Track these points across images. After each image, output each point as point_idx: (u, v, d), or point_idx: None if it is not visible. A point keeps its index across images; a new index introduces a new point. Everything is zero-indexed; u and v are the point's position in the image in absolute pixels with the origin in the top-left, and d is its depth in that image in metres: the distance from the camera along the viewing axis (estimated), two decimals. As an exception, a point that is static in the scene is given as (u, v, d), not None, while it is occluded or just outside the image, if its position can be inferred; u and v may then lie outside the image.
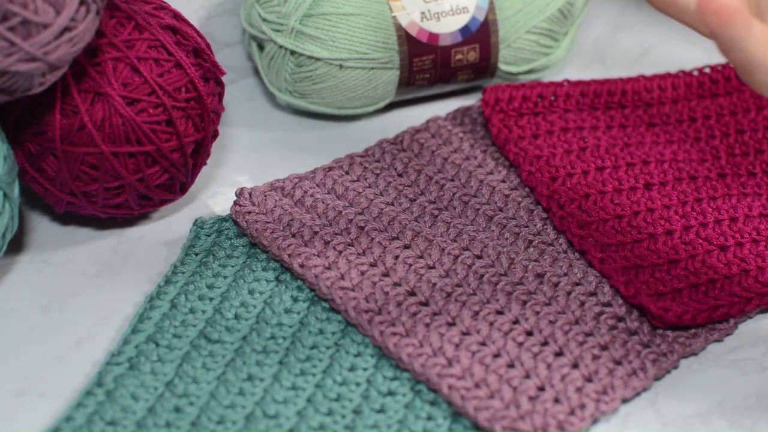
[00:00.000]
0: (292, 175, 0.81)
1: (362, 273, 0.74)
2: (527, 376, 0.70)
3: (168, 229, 0.80)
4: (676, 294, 0.74)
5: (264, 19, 0.85)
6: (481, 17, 0.87)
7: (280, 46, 0.85)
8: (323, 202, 0.79)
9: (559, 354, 0.71)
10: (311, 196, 0.79)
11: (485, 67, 0.88)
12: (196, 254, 0.77)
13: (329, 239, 0.76)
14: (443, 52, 0.86)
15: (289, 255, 0.75)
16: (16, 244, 0.78)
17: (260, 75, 0.91)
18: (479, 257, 0.76)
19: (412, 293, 0.74)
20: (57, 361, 0.71)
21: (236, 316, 0.73)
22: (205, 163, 0.79)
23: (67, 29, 0.69)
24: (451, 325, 0.72)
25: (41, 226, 0.80)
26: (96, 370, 0.70)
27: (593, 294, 0.74)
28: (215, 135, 0.79)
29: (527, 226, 0.78)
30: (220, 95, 0.79)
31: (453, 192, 0.80)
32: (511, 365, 0.70)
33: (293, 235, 0.76)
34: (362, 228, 0.77)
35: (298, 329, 0.73)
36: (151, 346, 0.71)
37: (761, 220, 0.79)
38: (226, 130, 0.87)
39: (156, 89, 0.74)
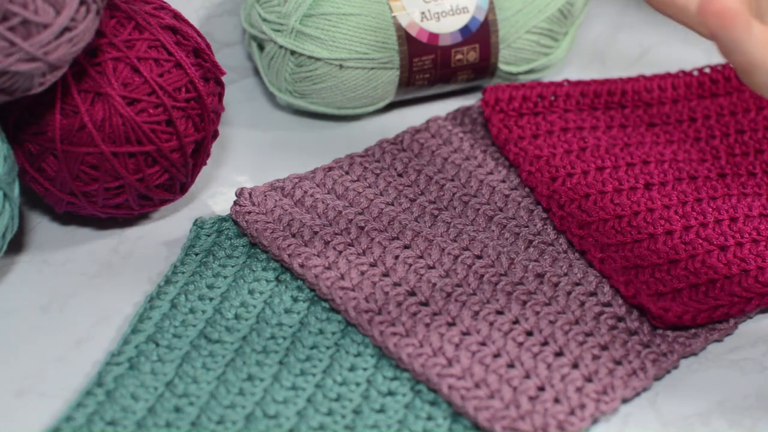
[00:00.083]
0: (292, 175, 0.81)
1: (362, 273, 0.74)
2: (527, 376, 0.70)
3: (168, 229, 0.80)
4: (676, 294, 0.74)
5: (264, 19, 0.85)
6: (481, 17, 0.87)
7: (280, 46, 0.85)
8: (323, 202, 0.79)
9: (559, 354, 0.71)
10: (311, 196, 0.79)
11: (485, 67, 0.88)
12: (196, 254, 0.77)
13: (329, 239, 0.76)
14: (443, 52, 0.86)
15: (289, 255, 0.75)
16: (16, 244, 0.78)
17: (260, 75, 0.91)
18: (479, 257, 0.76)
19: (412, 293, 0.74)
20: (57, 361, 0.71)
21: (236, 316, 0.73)
22: (205, 163, 0.79)
23: (67, 29, 0.69)
24: (451, 325, 0.72)
25: (41, 226, 0.80)
26: (96, 370, 0.70)
27: (593, 294, 0.74)
28: (215, 135, 0.79)
29: (527, 226, 0.78)
30: (220, 95, 0.79)
31: (453, 192, 0.80)
32: (511, 365, 0.70)
33: (293, 235, 0.76)
34: (362, 228, 0.77)
35: (298, 329, 0.73)
36: (151, 346, 0.71)
37: (761, 220, 0.79)
38: (226, 130, 0.87)
39: (156, 89, 0.74)
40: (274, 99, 0.90)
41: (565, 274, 0.75)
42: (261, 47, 0.87)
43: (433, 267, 0.75)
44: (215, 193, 0.83)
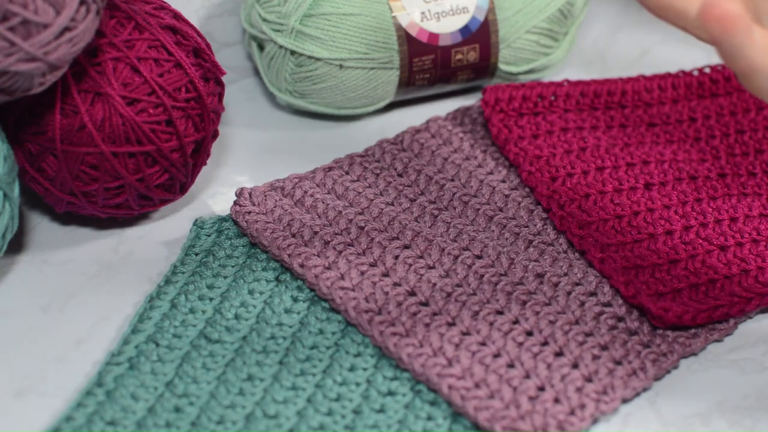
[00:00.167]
0: (292, 175, 0.81)
1: (362, 273, 0.74)
2: (527, 376, 0.70)
3: (168, 229, 0.80)
4: (676, 294, 0.74)
5: (264, 19, 0.85)
6: (481, 17, 0.87)
7: (280, 46, 0.85)
8: (323, 202, 0.79)
9: (559, 354, 0.71)
10: (311, 196, 0.79)
11: (485, 67, 0.88)
12: (196, 254, 0.77)
13: (329, 239, 0.76)
14: (443, 52, 0.86)
15: (289, 255, 0.75)
16: (16, 244, 0.78)
17: (260, 75, 0.91)
18: (479, 257, 0.76)
19: (412, 293, 0.74)
20: (57, 361, 0.71)
21: (236, 316, 0.73)
22: (205, 163, 0.79)
23: (67, 29, 0.69)
24: (451, 325, 0.72)
25: (41, 226, 0.80)
26: (96, 370, 0.70)
27: (593, 294, 0.74)
28: (215, 135, 0.79)
29: (527, 226, 0.78)
30: (220, 95, 0.79)
31: (453, 192, 0.80)
32: (511, 365, 0.70)
33: (293, 235, 0.76)
34: (362, 228, 0.77)
35: (298, 329, 0.73)
36: (151, 346, 0.71)
37: (761, 220, 0.79)
38: (226, 130, 0.87)
39: (156, 89, 0.74)
40: (274, 99, 0.90)
41: (565, 274, 0.75)
42: (261, 47, 0.87)
43: (433, 267, 0.75)
44: (215, 193, 0.83)
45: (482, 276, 0.75)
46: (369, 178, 0.81)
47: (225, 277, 0.75)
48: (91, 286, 0.76)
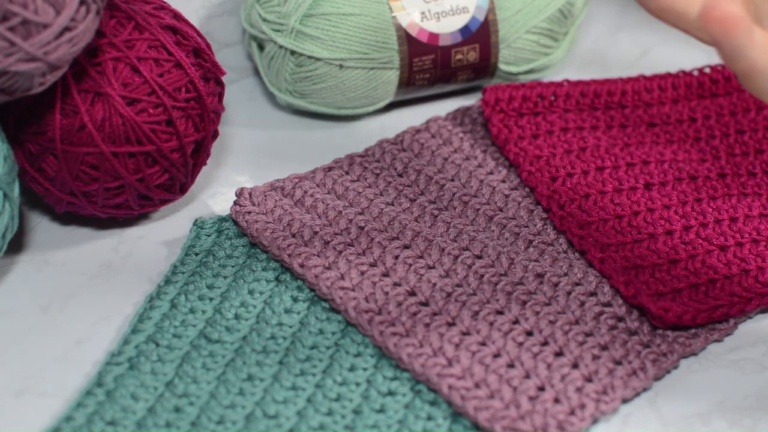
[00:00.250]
0: (292, 175, 0.81)
1: (362, 273, 0.74)
2: (527, 376, 0.70)
3: (168, 229, 0.80)
4: (676, 294, 0.74)
5: (264, 19, 0.85)
6: (481, 17, 0.87)
7: (280, 46, 0.85)
8: (323, 202, 0.79)
9: (559, 354, 0.71)
10: (311, 196, 0.79)
11: (485, 67, 0.88)
12: (196, 254, 0.77)
13: (329, 239, 0.76)
14: (443, 52, 0.86)
15: (289, 255, 0.75)
16: (16, 244, 0.78)
17: (260, 75, 0.91)
18: (479, 257, 0.76)
19: (412, 293, 0.74)
20: (57, 361, 0.71)
21: (236, 316, 0.73)
22: (205, 163, 0.79)
23: (67, 29, 0.69)
24: (451, 325, 0.72)
25: (41, 226, 0.80)
26: (96, 370, 0.70)
27: (593, 294, 0.74)
28: (215, 135, 0.79)
29: (527, 226, 0.78)
30: (220, 95, 0.79)
31: (453, 192, 0.80)
32: (511, 365, 0.70)
33: (293, 235, 0.76)
34: (362, 228, 0.77)
35: (298, 329, 0.73)
36: (151, 346, 0.71)
37: (761, 220, 0.79)
38: (226, 130, 0.87)
39: (156, 89, 0.74)
40: (274, 99, 0.90)
41: (565, 274, 0.75)
42: (261, 47, 0.87)
43: (433, 267, 0.75)
44: (215, 193, 0.83)
45: (482, 276, 0.75)
46: (369, 178, 0.81)
47: (225, 277, 0.75)
48: (91, 286, 0.76)
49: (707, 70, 0.88)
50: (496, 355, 0.71)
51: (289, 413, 0.68)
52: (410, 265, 0.75)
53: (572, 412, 0.68)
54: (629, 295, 0.73)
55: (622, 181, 0.81)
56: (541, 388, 0.69)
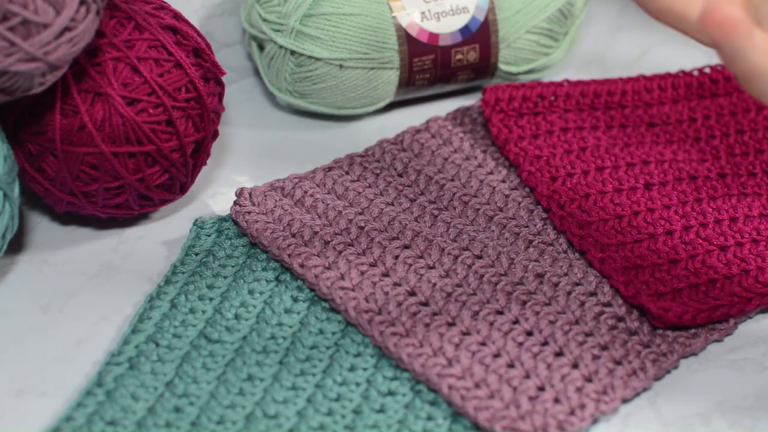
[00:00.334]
0: (292, 175, 0.81)
1: (362, 273, 0.74)
2: (527, 376, 0.70)
3: (168, 229, 0.80)
4: (676, 294, 0.74)
5: (264, 19, 0.85)
6: (481, 17, 0.87)
7: (280, 46, 0.85)
8: (323, 202, 0.79)
9: (559, 354, 0.71)
10: (311, 196, 0.79)
11: (485, 67, 0.88)
12: (196, 254, 0.77)
13: (329, 239, 0.76)
14: (443, 52, 0.86)
15: (289, 255, 0.75)
16: (16, 244, 0.78)
17: (260, 75, 0.91)
18: (479, 257, 0.76)
19: (412, 293, 0.74)
20: (57, 361, 0.71)
21: (236, 316, 0.73)
22: (205, 163, 0.79)
23: (67, 29, 0.69)
24: (451, 325, 0.72)
25: (41, 226, 0.80)
26: (96, 370, 0.70)
27: (593, 294, 0.74)
28: (215, 135, 0.79)
29: (527, 226, 0.78)
30: (220, 95, 0.79)
31: (453, 192, 0.80)
32: (511, 365, 0.70)
33: (293, 235, 0.76)
34: (362, 228, 0.77)
35: (298, 329, 0.73)
36: (151, 346, 0.71)
37: (761, 220, 0.79)
38: (226, 130, 0.87)
39: (156, 89, 0.74)
40: (274, 99, 0.90)
41: (565, 274, 0.75)
42: (261, 47, 0.87)
43: (433, 267, 0.75)
44: (215, 193, 0.83)
45: (482, 276, 0.75)
46: (369, 178, 0.81)
47: (225, 277, 0.75)
48: (91, 286, 0.76)
49: (707, 70, 0.88)
50: (496, 355, 0.71)
51: (289, 413, 0.68)
52: (410, 265, 0.75)
53: (572, 412, 0.68)
54: (629, 295, 0.73)
55: (622, 181, 0.81)
56: (541, 388, 0.69)
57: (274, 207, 0.78)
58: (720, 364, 0.73)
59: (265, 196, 0.79)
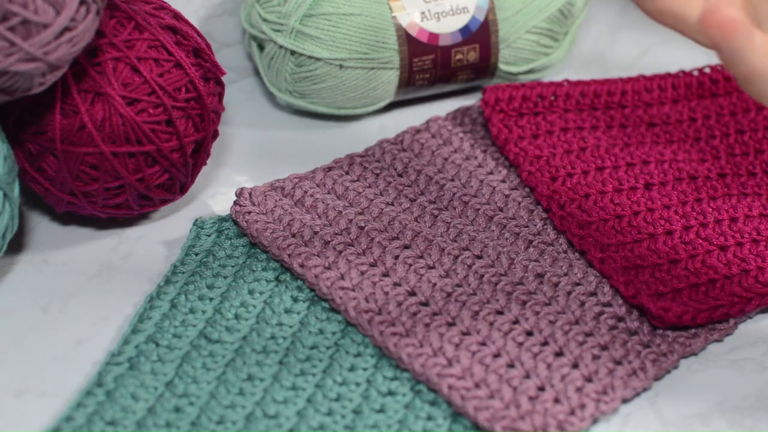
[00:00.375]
0: (292, 175, 0.81)
1: (362, 273, 0.74)
2: (527, 376, 0.70)
3: (168, 229, 0.80)
4: (676, 294, 0.74)
5: (264, 19, 0.85)
6: (481, 17, 0.87)
7: (280, 46, 0.85)
8: (323, 202, 0.79)
9: (559, 354, 0.71)
10: (311, 196, 0.79)
11: (485, 67, 0.88)
12: (196, 254, 0.77)
13: (329, 239, 0.76)
14: (443, 52, 0.86)
15: (289, 255, 0.75)
16: (16, 244, 0.78)
17: (260, 75, 0.91)
18: (479, 257, 0.76)
19: (412, 293, 0.74)
20: (57, 361, 0.71)
21: (236, 316, 0.73)
22: (205, 163, 0.79)
23: (67, 29, 0.69)
24: (451, 325, 0.72)
25: (41, 226, 0.80)
26: (96, 370, 0.70)
27: (593, 294, 0.74)
28: (215, 135, 0.79)
29: (527, 226, 0.78)
30: (220, 95, 0.79)
31: (453, 192, 0.80)
32: (511, 365, 0.70)
33: (293, 235, 0.76)
34: (362, 228, 0.77)
35: (298, 329, 0.73)
36: (151, 346, 0.71)
37: (761, 220, 0.79)
38: (226, 130, 0.87)
39: (156, 89, 0.74)
40: (274, 99, 0.90)
41: (565, 274, 0.75)
42: (261, 47, 0.87)
43: (433, 267, 0.75)
44: (215, 193, 0.83)
45: (482, 276, 0.75)
46: (369, 178, 0.81)
47: (225, 277, 0.75)
48: (91, 286, 0.76)
49: (707, 70, 0.88)
50: (496, 355, 0.71)
51: (289, 413, 0.68)
52: (410, 265, 0.75)
53: (572, 412, 0.68)
54: (629, 295, 0.73)
55: (622, 181, 0.81)
56: (541, 388, 0.69)
57: (274, 207, 0.78)
58: (720, 364, 0.73)
59: (265, 196, 0.79)
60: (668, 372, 0.72)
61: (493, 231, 0.78)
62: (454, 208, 0.79)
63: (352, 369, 0.71)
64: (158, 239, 0.79)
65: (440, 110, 0.89)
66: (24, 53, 0.67)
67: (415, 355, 0.70)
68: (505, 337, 0.71)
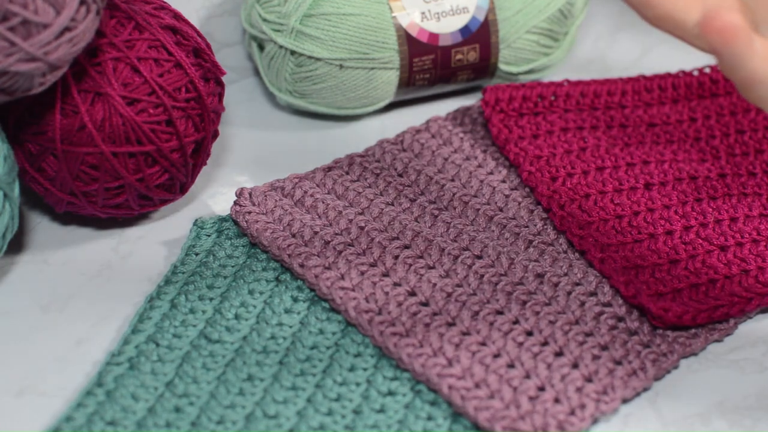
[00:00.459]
0: (292, 175, 0.81)
1: (362, 273, 0.74)
2: (527, 376, 0.70)
3: (168, 229, 0.80)
4: (676, 294, 0.74)
5: (264, 19, 0.85)
6: (481, 17, 0.87)
7: (280, 46, 0.85)
8: (323, 202, 0.79)
9: (559, 354, 0.71)
10: (311, 196, 0.79)
11: (485, 67, 0.88)
12: (196, 254, 0.77)
13: (329, 239, 0.76)
14: (443, 52, 0.86)
15: (289, 255, 0.75)
16: (16, 244, 0.78)
17: (260, 75, 0.91)
18: (479, 257, 0.76)
19: (412, 293, 0.74)
20: (57, 361, 0.71)
21: (236, 316, 0.73)
22: (205, 163, 0.79)
23: (67, 29, 0.69)
24: (451, 325, 0.72)
25: (41, 226, 0.80)
26: (96, 370, 0.70)
27: (593, 294, 0.74)
28: (215, 135, 0.79)
29: (527, 226, 0.78)
30: (220, 95, 0.79)
31: (453, 192, 0.80)
32: (511, 365, 0.70)
33: (293, 235, 0.76)
34: (362, 228, 0.77)
35: (298, 329, 0.73)
36: (151, 346, 0.71)
37: (761, 220, 0.79)
38: (226, 130, 0.87)
39: (156, 89, 0.74)
40: (274, 99, 0.90)
41: (565, 274, 0.75)
42: (261, 47, 0.87)
43: (433, 267, 0.75)
44: (215, 193, 0.83)
45: (482, 276, 0.75)
46: (369, 178, 0.81)
47: (225, 277, 0.75)
48: (91, 286, 0.76)
49: (707, 70, 0.88)
50: (496, 355, 0.70)
51: (289, 413, 0.68)
52: (410, 265, 0.75)
53: (572, 412, 0.68)
54: (629, 295, 0.73)
55: (622, 181, 0.81)
56: (541, 388, 0.69)
57: (274, 207, 0.78)
58: (720, 364, 0.73)
59: (265, 196, 0.79)
60: (668, 372, 0.72)
61: (493, 231, 0.78)
62: (454, 208, 0.79)
63: (352, 369, 0.71)
64: (158, 239, 0.79)
65: (440, 110, 0.89)
66: (24, 53, 0.67)
67: (415, 355, 0.70)
68: (505, 337, 0.71)
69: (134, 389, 0.69)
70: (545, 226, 0.79)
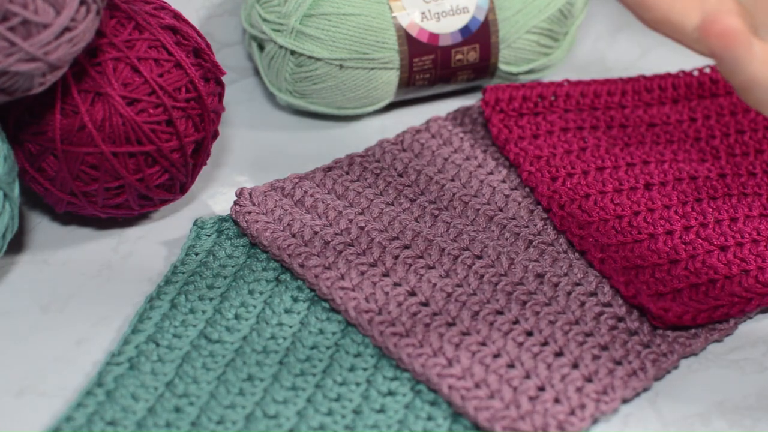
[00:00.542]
0: (292, 175, 0.81)
1: (362, 273, 0.74)
2: (527, 376, 0.70)
3: (168, 229, 0.80)
4: (676, 294, 0.74)
5: (264, 19, 0.85)
6: (481, 17, 0.87)
7: (280, 46, 0.85)
8: (323, 202, 0.79)
9: (559, 354, 0.71)
10: (311, 196, 0.79)
11: (485, 67, 0.88)
12: (197, 254, 0.77)
13: (329, 239, 0.76)
14: (443, 52, 0.86)
15: (289, 255, 0.75)
16: (16, 244, 0.78)
17: (260, 75, 0.91)
18: (479, 257, 0.76)
19: (412, 293, 0.74)
20: (57, 361, 0.71)
21: (236, 316, 0.73)
22: (205, 163, 0.79)
23: (67, 29, 0.69)
24: (451, 325, 0.72)
25: (41, 226, 0.80)
26: (96, 370, 0.70)
27: (593, 294, 0.74)
28: (215, 135, 0.79)
29: (527, 227, 0.78)
30: (221, 95, 0.79)
31: (453, 192, 0.80)
32: (511, 365, 0.70)
33: (293, 235, 0.76)
34: (362, 228, 0.77)
35: (298, 329, 0.73)
36: (151, 346, 0.71)
37: (761, 220, 0.79)
38: (226, 130, 0.87)
39: (156, 89, 0.74)
40: (274, 99, 0.90)
41: (565, 274, 0.75)
42: (261, 47, 0.87)
43: (433, 267, 0.75)
44: (215, 193, 0.83)
45: (482, 276, 0.75)
46: (369, 178, 0.81)
47: (225, 277, 0.75)
48: (91, 286, 0.76)
49: (707, 70, 0.88)
50: (496, 355, 0.70)
51: (289, 413, 0.68)
52: (410, 266, 0.75)
53: (572, 412, 0.68)
54: (629, 295, 0.73)
55: (622, 181, 0.81)
56: (541, 388, 0.69)
57: (274, 207, 0.78)
58: (720, 364, 0.73)
59: (265, 196, 0.79)
60: (668, 372, 0.72)
61: (493, 231, 0.78)
62: (454, 208, 0.79)
63: (352, 369, 0.71)
64: (158, 239, 0.79)
65: (440, 110, 0.89)
66: (24, 53, 0.67)
67: (415, 355, 0.70)
68: (505, 337, 0.71)
69: (134, 389, 0.69)
70: (545, 226, 0.79)
